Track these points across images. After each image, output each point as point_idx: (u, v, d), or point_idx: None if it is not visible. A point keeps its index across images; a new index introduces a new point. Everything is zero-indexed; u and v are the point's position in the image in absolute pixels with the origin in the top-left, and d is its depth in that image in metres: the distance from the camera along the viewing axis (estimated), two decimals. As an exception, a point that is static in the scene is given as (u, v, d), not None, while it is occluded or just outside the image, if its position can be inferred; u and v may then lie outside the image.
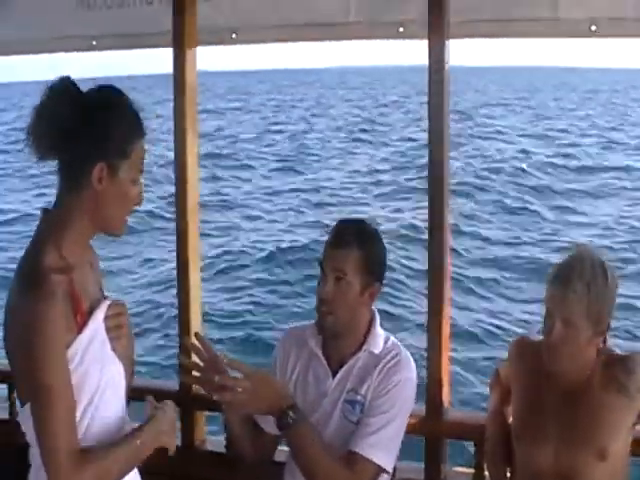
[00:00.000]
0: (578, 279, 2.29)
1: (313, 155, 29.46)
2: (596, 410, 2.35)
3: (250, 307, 11.66)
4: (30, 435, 1.85)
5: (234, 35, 3.53)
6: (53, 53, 4.00)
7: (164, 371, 8.75)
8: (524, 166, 24.38)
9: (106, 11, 3.57)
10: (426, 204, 2.92)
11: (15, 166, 24.74)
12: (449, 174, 2.93)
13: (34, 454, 1.87)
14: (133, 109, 1.92)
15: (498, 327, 10.64)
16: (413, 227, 15.25)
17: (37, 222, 1.93)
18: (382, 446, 2.45)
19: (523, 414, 2.50)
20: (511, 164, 24.97)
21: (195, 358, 2.44)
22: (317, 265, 2.56)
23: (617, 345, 2.49)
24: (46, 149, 1.86)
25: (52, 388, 1.76)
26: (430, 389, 2.89)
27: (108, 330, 1.93)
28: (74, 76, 1.89)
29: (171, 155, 3.23)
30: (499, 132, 35.22)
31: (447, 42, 2.85)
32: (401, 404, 2.50)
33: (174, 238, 3.28)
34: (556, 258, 2.50)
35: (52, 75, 1.88)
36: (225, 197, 20.78)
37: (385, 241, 2.60)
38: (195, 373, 2.40)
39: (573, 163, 25.92)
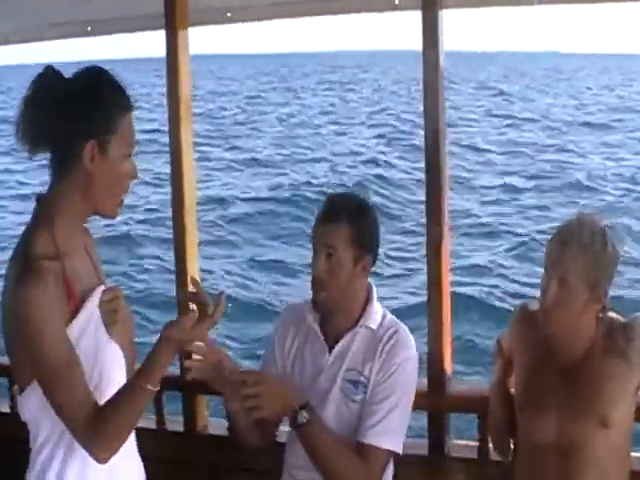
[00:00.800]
0: (576, 240, 2.28)
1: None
2: (597, 378, 2.33)
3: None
4: (32, 419, 1.87)
5: (229, 14, 3.50)
6: (49, 40, 3.99)
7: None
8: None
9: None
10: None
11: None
12: (445, 127, 2.90)
13: (34, 440, 1.89)
14: (117, 84, 1.91)
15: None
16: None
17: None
18: (390, 431, 2.46)
19: (525, 385, 2.48)
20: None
21: (195, 356, 2.48)
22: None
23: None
24: (35, 139, 1.86)
25: (56, 366, 1.78)
26: (431, 363, 2.88)
27: (103, 315, 1.92)
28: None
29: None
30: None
31: (440, 12, 2.82)
32: (404, 386, 2.49)
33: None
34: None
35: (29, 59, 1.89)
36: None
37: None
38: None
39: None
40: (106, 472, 1.90)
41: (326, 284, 2.48)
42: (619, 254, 2.36)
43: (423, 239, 2.96)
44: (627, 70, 79.96)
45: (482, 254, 13.67)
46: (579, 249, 2.28)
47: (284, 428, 2.70)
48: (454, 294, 3.09)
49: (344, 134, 30.30)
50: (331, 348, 2.56)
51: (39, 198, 1.92)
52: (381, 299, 2.61)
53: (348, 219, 2.48)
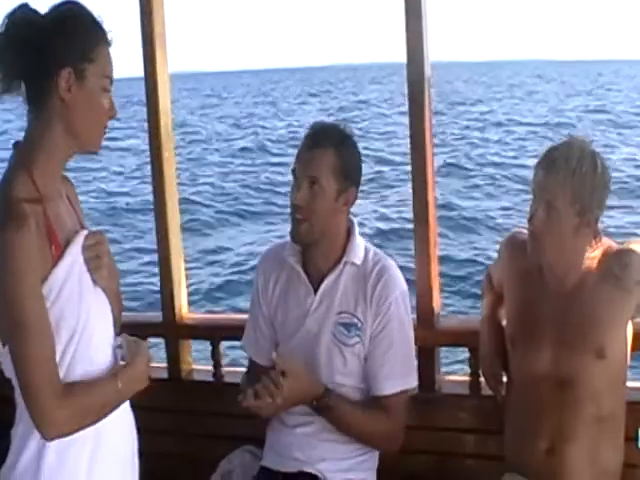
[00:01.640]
0: (564, 164, 2.22)
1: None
2: (592, 306, 2.28)
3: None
4: (14, 377, 1.78)
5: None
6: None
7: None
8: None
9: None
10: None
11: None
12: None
13: (18, 398, 1.81)
14: (93, 17, 1.86)
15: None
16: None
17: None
18: (403, 373, 2.47)
19: (517, 317, 2.43)
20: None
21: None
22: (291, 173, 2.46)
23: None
24: (9, 75, 1.80)
25: (28, 321, 1.70)
26: (420, 298, 2.84)
27: (86, 261, 1.85)
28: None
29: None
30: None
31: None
32: (402, 325, 2.47)
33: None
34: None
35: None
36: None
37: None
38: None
39: None
40: (90, 449, 1.86)
41: (307, 214, 2.39)
42: (609, 177, 2.28)
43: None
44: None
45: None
46: (566, 173, 2.21)
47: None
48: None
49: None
50: (316, 289, 2.50)
51: (17, 143, 1.85)
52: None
53: (334, 147, 2.40)
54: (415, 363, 2.53)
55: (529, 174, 2.36)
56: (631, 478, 2.45)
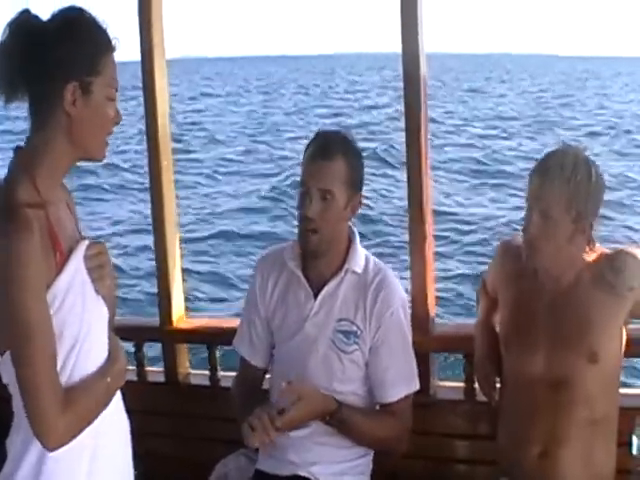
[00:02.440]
0: (558, 171, 2.23)
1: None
2: (585, 311, 2.30)
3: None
4: (12, 385, 1.77)
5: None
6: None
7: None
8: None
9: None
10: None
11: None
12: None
13: (17, 404, 1.79)
14: (98, 25, 1.82)
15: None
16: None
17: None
18: (407, 377, 2.51)
19: (511, 321, 2.45)
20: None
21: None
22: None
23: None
24: (12, 84, 1.77)
25: (33, 328, 1.68)
26: (415, 303, 2.85)
27: (89, 271, 1.84)
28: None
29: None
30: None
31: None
32: (402, 333, 2.51)
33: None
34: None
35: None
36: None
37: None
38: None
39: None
40: (90, 453, 1.85)
41: (319, 226, 2.41)
42: (604, 184, 2.31)
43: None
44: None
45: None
46: (561, 181, 2.23)
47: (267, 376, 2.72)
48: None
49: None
50: (316, 294, 2.51)
51: (18, 148, 1.83)
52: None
53: (343, 157, 2.41)
54: (415, 367, 2.56)
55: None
56: None
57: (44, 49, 1.75)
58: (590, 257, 2.33)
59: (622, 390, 2.46)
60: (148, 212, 3.34)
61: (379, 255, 2.77)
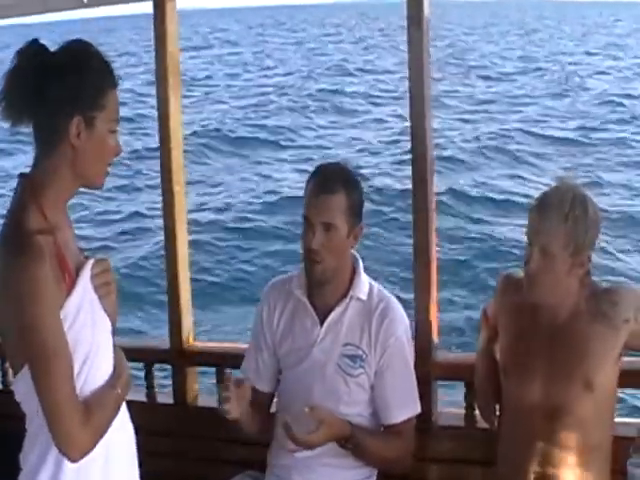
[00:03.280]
0: (556, 209, 2.30)
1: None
2: (582, 342, 2.37)
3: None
4: (26, 403, 1.85)
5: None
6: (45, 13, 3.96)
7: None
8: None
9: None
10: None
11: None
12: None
13: (30, 421, 1.87)
14: (103, 60, 1.90)
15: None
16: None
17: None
18: (410, 400, 2.60)
19: (510, 350, 2.51)
20: None
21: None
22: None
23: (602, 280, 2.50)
24: (18, 113, 1.84)
25: (52, 346, 1.76)
26: (418, 331, 2.89)
27: (96, 289, 1.90)
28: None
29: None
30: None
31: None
32: (405, 358, 2.60)
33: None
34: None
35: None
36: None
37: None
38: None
39: None
40: (102, 463, 1.91)
41: (323, 256, 2.49)
42: (600, 217, 2.38)
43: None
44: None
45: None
46: (559, 219, 2.30)
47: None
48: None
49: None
50: (322, 321, 2.58)
51: (23, 175, 1.90)
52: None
53: (344, 190, 2.50)
54: (416, 391, 2.63)
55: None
56: None
57: (52, 82, 1.81)
58: (586, 290, 2.40)
59: (619, 419, 2.53)
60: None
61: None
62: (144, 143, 19.04)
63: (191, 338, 3.35)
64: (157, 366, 3.45)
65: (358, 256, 2.64)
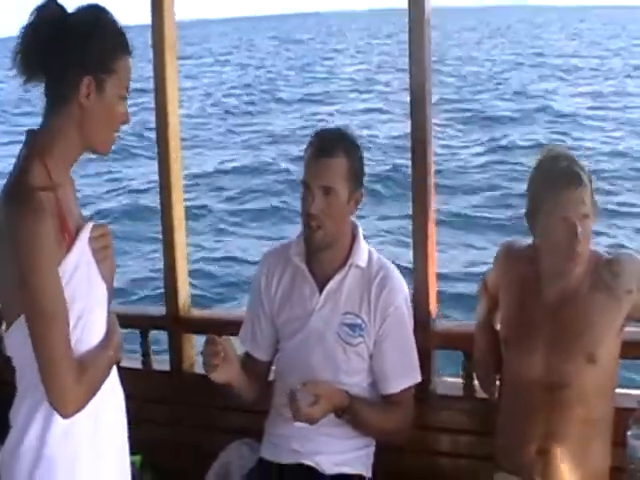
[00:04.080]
0: (585, 174, 2.30)
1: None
2: (584, 313, 2.35)
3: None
4: (18, 356, 1.87)
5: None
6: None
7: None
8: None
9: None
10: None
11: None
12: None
13: (21, 378, 1.89)
14: (118, 26, 1.92)
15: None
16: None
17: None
18: (409, 369, 2.59)
19: (512, 322, 2.49)
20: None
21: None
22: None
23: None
24: (32, 67, 1.87)
25: (50, 300, 1.77)
26: (417, 301, 2.86)
27: (94, 252, 1.91)
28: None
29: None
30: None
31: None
32: (405, 327, 2.58)
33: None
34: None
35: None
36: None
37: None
38: None
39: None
40: (92, 423, 1.91)
41: (322, 221, 2.45)
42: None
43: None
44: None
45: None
46: (587, 182, 2.30)
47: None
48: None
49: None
50: (321, 289, 2.56)
51: (31, 131, 1.91)
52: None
53: (345, 154, 2.46)
54: (417, 360, 2.62)
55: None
56: None
57: (67, 40, 1.85)
58: (591, 260, 2.37)
59: (620, 390, 2.51)
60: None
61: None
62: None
63: (187, 305, 3.34)
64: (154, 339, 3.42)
65: (358, 223, 2.60)
